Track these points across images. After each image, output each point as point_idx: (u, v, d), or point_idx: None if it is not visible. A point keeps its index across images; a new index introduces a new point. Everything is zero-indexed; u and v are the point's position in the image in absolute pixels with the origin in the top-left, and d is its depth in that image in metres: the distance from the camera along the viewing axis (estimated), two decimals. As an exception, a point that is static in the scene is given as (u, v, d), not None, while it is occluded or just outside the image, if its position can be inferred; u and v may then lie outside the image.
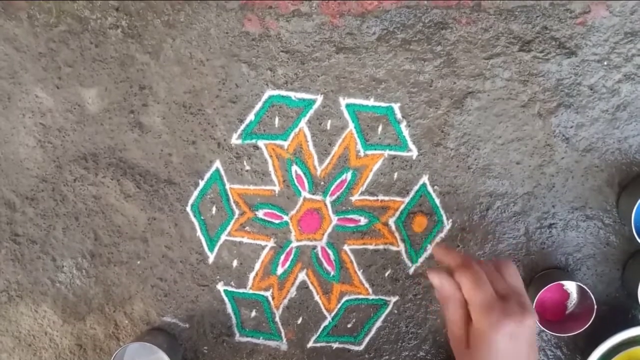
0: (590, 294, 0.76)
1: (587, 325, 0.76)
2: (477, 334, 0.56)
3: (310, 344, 0.82)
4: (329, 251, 0.81)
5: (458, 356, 0.58)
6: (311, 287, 0.81)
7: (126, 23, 0.75)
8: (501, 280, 0.59)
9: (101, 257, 0.81)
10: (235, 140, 0.78)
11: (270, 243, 0.80)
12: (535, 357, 0.57)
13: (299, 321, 0.82)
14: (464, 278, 0.57)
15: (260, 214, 0.80)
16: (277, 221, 0.80)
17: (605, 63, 0.76)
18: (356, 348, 0.83)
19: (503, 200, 0.80)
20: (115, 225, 0.80)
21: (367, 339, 0.83)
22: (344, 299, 0.82)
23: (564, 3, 0.75)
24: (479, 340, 0.56)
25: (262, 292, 0.81)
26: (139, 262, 0.81)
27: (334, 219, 0.80)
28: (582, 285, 0.76)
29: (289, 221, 0.80)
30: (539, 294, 0.76)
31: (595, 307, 0.76)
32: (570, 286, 0.82)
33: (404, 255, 0.81)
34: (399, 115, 0.78)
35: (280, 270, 0.81)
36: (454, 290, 0.58)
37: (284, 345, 0.83)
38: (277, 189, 0.79)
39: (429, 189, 0.79)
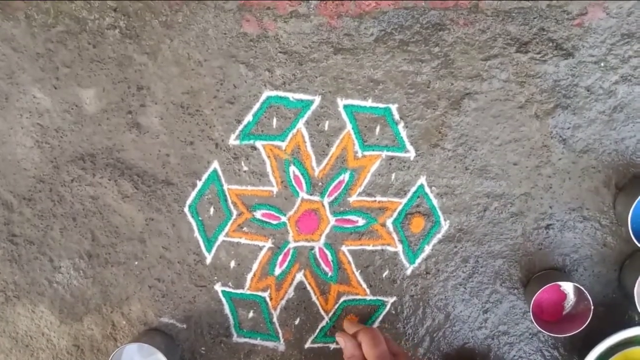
0: (587, 294, 0.76)
1: (584, 326, 0.76)
2: None
3: (307, 345, 0.82)
4: (327, 252, 0.81)
5: None
6: (309, 287, 0.81)
7: (124, 24, 0.75)
8: (394, 342, 0.73)
9: (99, 257, 0.80)
10: (233, 140, 0.78)
11: (268, 244, 0.80)
12: None
13: (297, 322, 0.82)
14: (364, 337, 0.67)
15: (258, 214, 0.80)
16: (275, 222, 0.80)
17: (602, 64, 0.77)
18: (354, 349, 0.83)
19: (500, 201, 0.80)
20: (113, 226, 0.80)
21: (364, 340, 0.83)
22: (342, 299, 0.82)
23: (561, 4, 0.75)
24: None
25: (259, 293, 0.81)
26: (136, 263, 0.81)
27: (332, 220, 0.80)
28: (579, 286, 0.76)
29: (286, 222, 0.80)
30: (536, 295, 0.76)
31: (592, 307, 0.76)
32: (568, 287, 0.82)
33: (402, 256, 0.81)
34: (396, 116, 0.78)
35: (278, 271, 0.81)
36: (355, 349, 0.67)
37: (281, 346, 0.83)
38: (275, 189, 0.79)
39: (427, 189, 0.80)
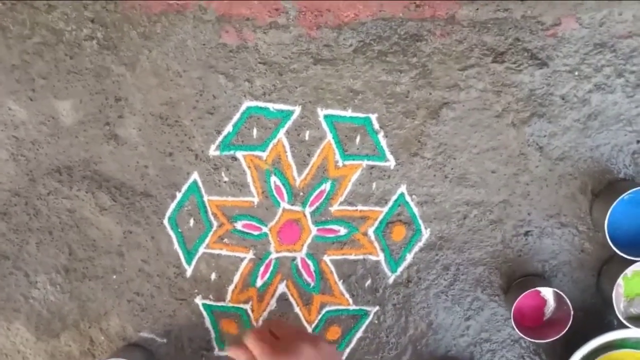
0: (567, 300, 0.77)
1: (564, 331, 0.77)
2: None
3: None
4: (309, 262, 0.80)
5: None
6: (291, 298, 0.81)
7: (102, 35, 0.75)
8: (283, 324, 0.72)
9: (76, 272, 0.79)
10: (213, 151, 0.78)
11: (250, 255, 0.80)
12: None
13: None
14: (249, 340, 0.64)
15: (239, 225, 0.79)
16: (256, 232, 0.80)
17: (576, 73, 0.78)
18: None
19: (480, 209, 0.81)
20: (90, 239, 0.79)
21: (347, 350, 0.82)
22: (325, 310, 0.82)
23: (536, 15, 0.77)
24: None
25: (241, 305, 0.80)
26: (114, 277, 0.79)
27: (314, 230, 0.80)
28: (558, 291, 0.77)
29: (268, 232, 0.80)
30: (516, 301, 0.77)
31: (572, 313, 0.77)
32: (547, 293, 0.83)
33: (384, 265, 0.81)
34: (376, 126, 0.79)
35: (259, 282, 0.80)
36: (247, 354, 0.65)
37: None
38: (255, 200, 0.79)
39: (407, 198, 0.80)
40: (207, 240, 0.79)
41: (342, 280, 0.81)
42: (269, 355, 0.62)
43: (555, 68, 0.78)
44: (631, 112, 0.79)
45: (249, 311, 0.81)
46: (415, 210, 0.80)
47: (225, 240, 0.79)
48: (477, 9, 0.76)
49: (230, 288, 0.80)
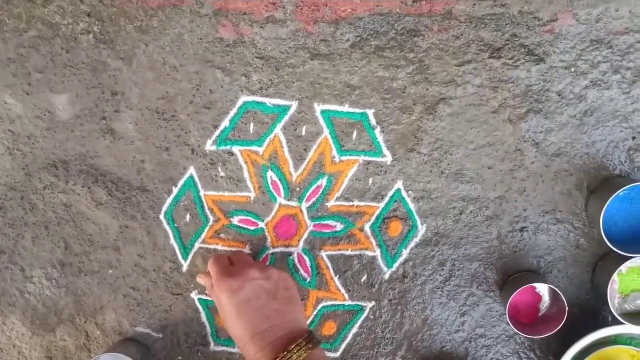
0: (562, 296, 0.77)
1: (559, 327, 0.78)
2: (217, 304, 0.69)
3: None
4: (305, 257, 0.80)
5: (228, 331, 0.67)
6: (287, 294, 0.81)
7: (98, 29, 0.75)
8: (241, 254, 0.77)
9: (72, 266, 0.79)
10: (209, 146, 0.78)
11: (246, 250, 0.80)
12: (289, 309, 0.67)
13: (275, 329, 0.81)
14: (209, 263, 0.72)
15: (235, 220, 0.79)
16: (252, 228, 0.80)
17: (573, 70, 0.78)
18: (333, 355, 0.83)
19: (476, 205, 0.81)
20: (87, 234, 0.78)
21: (343, 346, 0.83)
22: (321, 305, 0.82)
23: (533, 11, 0.77)
24: (219, 308, 0.68)
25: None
26: (110, 272, 0.79)
27: (310, 225, 0.80)
28: (554, 287, 0.77)
29: (264, 228, 0.80)
30: (512, 297, 0.77)
31: (567, 309, 0.77)
32: (543, 289, 0.83)
33: (380, 261, 0.81)
34: (373, 122, 0.79)
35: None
36: (209, 279, 0.71)
37: (260, 354, 0.82)
38: (252, 195, 0.79)
39: (404, 194, 0.80)
40: (203, 236, 0.79)
41: (338, 276, 0.81)
42: (221, 277, 0.67)
43: (551, 64, 0.78)
44: (627, 108, 0.79)
45: (245, 306, 0.81)
46: (412, 206, 0.80)
47: (222, 235, 0.79)
48: (475, 5, 0.76)
49: (227, 283, 0.80)
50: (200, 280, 0.75)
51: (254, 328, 0.64)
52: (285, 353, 0.61)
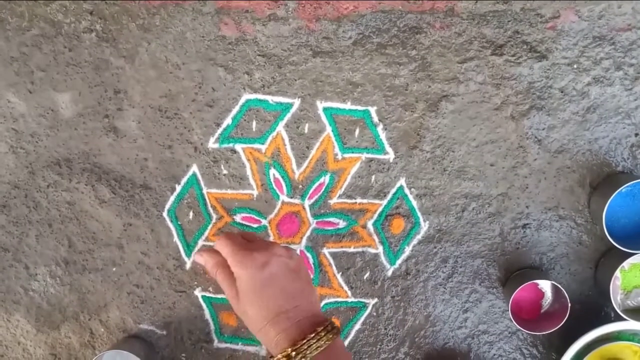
0: (564, 292, 0.77)
1: (561, 324, 0.78)
2: (237, 280, 0.60)
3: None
4: (308, 254, 0.81)
5: (238, 314, 0.61)
6: (290, 291, 0.81)
7: (100, 27, 0.75)
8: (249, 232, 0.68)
9: (76, 264, 0.79)
10: (212, 144, 0.78)
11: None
12: (310, 290, 0.61)
13: (278, 325, 0.81)
14: (219, 241, 0.62)
15: (238, 218, 0.79)
16: (255, 225, 0.80)
17: (575, 66, 0.78)
18: (335, 351, 0.83)
19: (478, 202, 0.81)
20: (90, 232, 0.79)
21: (346, 342, 0.83)
22: (324, 302, 0.82)
23: (535, 8, 0.77)
24: (239, 284, 0.60)
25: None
26: (114, 269, 0.80)
27: (313, 223, 0.80)
28: (556, 284, 0.78)
29: (267, 225, 0.80)
30: (514, 293, 0.77)
31: (569, 305, 0.77)
32: (545, 285, 0.83)
33: (382, 257, 0.81)
34: (375, 119, 0.79)
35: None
36: (215, 256, 0.63)
37: (263, 351, 0.82)
38: (255, 192, 0.79)
39: (406, 191, 0.80)
40: (206, 233, 0.79)
41: (340, 273, 0.82)
42: (242, 252, 0.60)
43: (554, 61, 0.78)
44: (630, 104, 0.79)
45: (248, 303, 0.81)
46: (414, 203, 0.81)
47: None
48: (477, 2, 0.76)
49: (230, 280, 0.80)
50: (200, 258, 0.66)
51: (279, 307, 0.58)
52: (313, 335, 0.56)
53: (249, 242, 0.64)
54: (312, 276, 0.67)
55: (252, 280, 0.59)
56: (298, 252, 0.80)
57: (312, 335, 0.56)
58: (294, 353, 0.55)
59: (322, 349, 0.55)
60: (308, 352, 0.55)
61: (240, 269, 0.60)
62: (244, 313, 0.60)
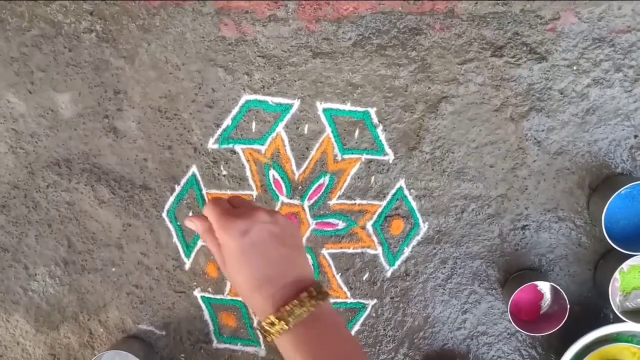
0: (564, 294, 0.77)
1: (560, 325, 0.78)
2: (222, 247, 0.60)
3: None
4: (307, 255, 0.81)
5: (229, 279, 0.63)
6: (289, 291, 0.81)
7: (100, 27, 0.75)
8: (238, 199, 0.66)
9: (75, 264, 0.79)
10: (212, 145, 0.78)
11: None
12: (295, 255, 0.61)
13: (277, 326, 0.81)
14: (206, 206, 0.62)
15: (237, 218, 0.79)
16: (254, 226, 0.80)
17: (575, 68, 0.78)
18: (335, 352, 0.83)
19: (477, 203, 0.81)
20: (90, 232, 0.79)
21: (345, 343, 0.83)
22: (322, 303, 0.82)
23: (535, 9, 0.77)
24: (223, 251, 0.60)
25: (239, 298, 0.81)
26: (113, 269, 0.80)
27: (312, 223, 0.80)
28: (555, 285, 0.78)
29: (266, 226, 0.80)
30: (513, 295, 0.77)
31: (568, 306, 0.77)
32: (544, 287, 0.83)
33: (382, 258, 0.81)
34: (375, 120, 0.79)
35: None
36: (204, 222, 0.63)
37: (262, 351, 0.82)
38: (254, 193, 0.79)
39: (406, 192, 0.80)
40: (205, 233, 0.79)
41: (340, 274, 0.82)
42: (225, 219, 0.60)
43: (553, 62, 0.78)
44: (629, 106, 0.79)
45: (248, 304, 0.81)
46: (414, 204, 0.81)
47: (224, 233, 0.80)
48: (477, 3, 0.76)
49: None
50: (191, 223, 0.65)
51: (262, 274, 0.59)
52: (296, 302, 0.56)
53: (234, 207, 0.64)
54: (302, 241, 0.67)
55: (235, 247, 0.59)
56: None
57: (296, 301, 0.56)
58: (276, 320, 0.56)
59: (305, 315, 0.56)
60: (290, 319, 0.55)
61: (223, 237, 0.60)
62: (231, 280, 0.61)
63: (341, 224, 0.80)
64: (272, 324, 0.56)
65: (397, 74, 0.78)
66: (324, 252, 0.81)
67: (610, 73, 0.79)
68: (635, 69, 0.78)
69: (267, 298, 0.58)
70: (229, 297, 0.81)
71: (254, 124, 0.78)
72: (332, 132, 0.78)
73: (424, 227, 0.81)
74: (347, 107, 0.78)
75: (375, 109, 0.78)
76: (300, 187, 0.79)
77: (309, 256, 0.81)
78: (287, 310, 0.56)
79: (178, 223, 0.79)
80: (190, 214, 0.79)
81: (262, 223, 0.60)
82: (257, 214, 0.61)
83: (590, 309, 0.83)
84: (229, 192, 0.79)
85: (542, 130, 0.80)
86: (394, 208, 0.81)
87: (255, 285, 0.59)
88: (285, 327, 0.56)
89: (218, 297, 0.81)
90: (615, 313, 0.78)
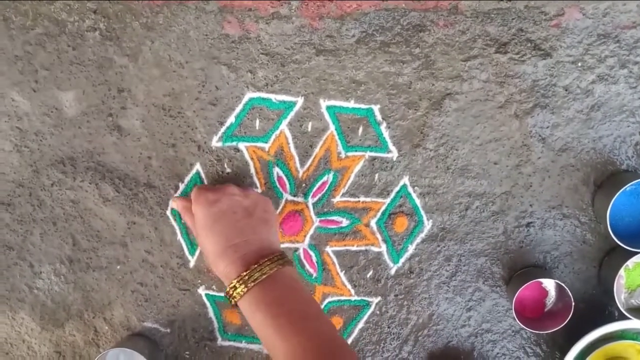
0: (568, 291, 0.77)
1: (565, 322, 0.78)
2: (194, 217, 0.67)
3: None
4: (311, 253, 0.81)
5: (200, 248, 0.69)
6: (293, 289, 0.81)
7: (104, 25, 0.75)
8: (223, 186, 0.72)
9: (80, 262, 0.79)
10: (215, 142, 0.78)
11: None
12: (262, 226, 0.67)
13: (282, 324, 0.81)
14: (193, 191, 0.69)
15: (241, 216, 0.79)
16: (258, 224, 0.80)
17: (580, 64, 0.78)
18: (339, 349, 0.83)
19: (482, 200, 0.81)
20: (94, 230, 0.79)
21: (349, 341, 0.83)
22: (327, 300, 0.82)
23: (539, 5, 0.76)
24: (195, 222, 0.67)
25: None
26: (118, 267, 0.80)
27: (316, 221, 0.80)
28: (560, 282, 0.77)
29: (270, 223, 0.80)
30: (518, 292, 0.77)
31: (573, 304, 0.77)
32: (549, 284, 0.83)
33: (386, 256, 0.81)
34: (379, 117, 0.79)
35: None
36: (184, 200, 0.72)
37: (266, 350, 0.82)
38: (258, 191, 0.79)
39: (410, 189, 0.80)
40: (210, 231, 0.80)
41: (344, 271, 0.82)
42: (198, 192, 0.67)
43: (558, 59, 0.78)
44: (634, 103, 0.79)
45: (252, 301, 0.81)
46: (418, 201, 0.81)
47: (228, 231, 0.80)
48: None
49: (233, 278, 0.81)
50: (174, 203, 0.74)
51: (227, 240, 0.63)
52: (256, 266, 0.60)
53: (217, 189, 0.69)
54: (274, 217, 0.71)
55: (204, 216, 0.64)
56: (302, 250, 0.80)
57: (255, 265, 0.60)
58: (238, 284, 0.60)
59: (264, 276, 0.59)
60: (249, 281, 0.59)
61: (195, 207, 0.65)
62: (201, 248, 0.66)
63: (345, 222, 0.80)
64: (235, 287, 0.60)
65: (400, 71, 0.78)
66: (328, 249, 0.81)
67: (615, 69, 0.78)
68: (641, 65, 0.78)
69: (230, 264, 0.62)
70: (233, 295, 0.81)
71: (257, 121, 0.78)
72: (335, 129, 0.78)
73: (428, 225, 0.81)
74: (351, 104, 0.78)
75: (378, 106, 0.78)
76: (304, 185, 0.79)
77: (313, 253, 0.81)
78: (247, 273, 0.60)
79: (182, 221, 0.79)
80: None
81: (232, 195, 0.66)
82: (228, 188, 0.67)
83: (595, 307, 0.83)
84: (232, 189, 0.79)
85: (547, 127, 0.79)
86: (398, 205, 0.80)
87: (220, 251, 0.63)
88: (245, 289, 0.60)
89: (222, 294, 0.81)
90: (620, 310, 0.78)
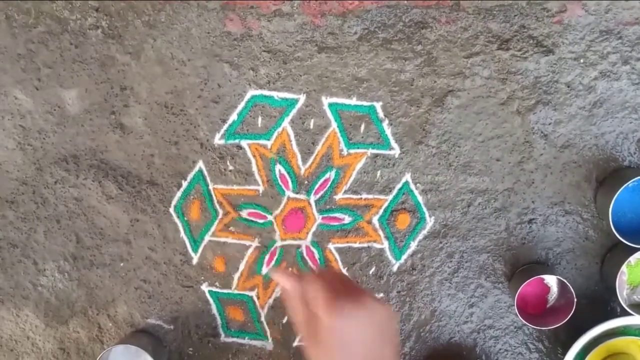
0: (570, 287, 0.77)
1: (567, 318, 0.78)
2: (321, 328, 0.54)
3: (296, 343, 0.83)
4: (314, 250, 0.81)
5: (311, 354, 0.56)
6: (296, 286, 0.81)
7: (106, 23, 0.75)
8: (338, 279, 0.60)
9: (83, 259, 0.80)
10: (218, 140, 0.78)
11: (255, 243, 0.80)
12: (388, 349, 0.55)
13: (285, 320, 0.82)
14: (307, 277, 0.57)
15: (244, 213, 0.80)
16: (261, 221, 0.80)
17: (582, 61, 0.78)
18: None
19: (484, 197, 0.81)
20: (98, 228, 0.79)
21: (352, 337, 0.83)
22: (329, 297, 0.82)
23: (541, 2, 0.76)
24: (319, 326, 0.54)
25: (247, 292, 0.81)
26: (122, 264, 0.80)
27: (318, 218, 0.80)
28: (562, 279, 0.78)
29: (273, 221, 0.80)
30: (520, 288, 0.77)
31: (575, 300, 0.77)
32: (551, 280, 0.83)
33: (388, 253, 0.81)
34: (381, 114, 0.79)
35: (265, 270, 0.81)
36: (297, 284, 0.57)
37: (269, 345, 0.83)
38: (261, 188, 0.79)
39: (412, 186, 0.80)
40: (213, 229, 0.80)
41: (346, 268, 0.82)
42: (333, 296, 0.54)
43: (560, 55, 0.78)
44: (637, 99, 0.79)
45: (255, 298, 0.81)
46: (420, 198, 0.81)
47: (231, 228, 0.80)
48: (483, -4, 0.76)
49: (236, 275, 0.81)
50: (281, 279, 0.58)
51: None
52: None
53: (343, 285, 0.57)
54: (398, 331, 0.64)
55: (338, 328, 0.54)
56: (304, 247, 0.81)
57: None
58: None
59: None
60: None
61: (327, 313, 0.54)
62: (316, 357, 0.55)
63: (347, 219, 0.80)
64: None
65: (402, 68, 0.78)
66: (331, 246, 0.81)
67: (617, 66, 0.78)
68: (643, 61, 0.78)
69: None
70: (236, 292, 0.81)
71: (259, 119, 0.78)
72: (337, 126, 0.78)
73: (430, 221, 0.81)
74: (353, 101, 0.78)
75: (381, 103, 0.78)
76: (306, 182, 0.80)
77: (315, 250, 0.81)
78: None
79: (185, 218, 0.79)
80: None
81: (368, 309, 0.54)
82: (365, 298, 0.55)
83: (597, 303, 0.83)
84: (235, 187, 0.79)
85: (549, 124, 0.79)
86: (400, 202, 0.81)
87: None
88: None
89: (225, 291, 0.81)
90: (622, 306, 0.78)
